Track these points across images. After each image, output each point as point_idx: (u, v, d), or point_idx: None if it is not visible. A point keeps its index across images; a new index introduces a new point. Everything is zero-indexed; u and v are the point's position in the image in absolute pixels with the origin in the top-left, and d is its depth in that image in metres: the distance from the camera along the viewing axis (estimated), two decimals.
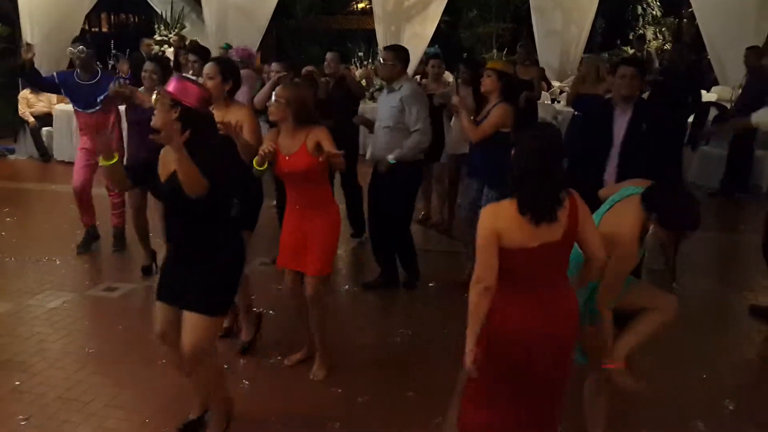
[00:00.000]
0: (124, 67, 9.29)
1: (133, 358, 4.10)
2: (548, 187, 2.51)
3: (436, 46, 17.11)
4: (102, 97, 5.62)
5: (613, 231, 2.85)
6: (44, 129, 9.89)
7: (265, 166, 3.62)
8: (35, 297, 5.01)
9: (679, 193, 2.95)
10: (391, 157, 4.88)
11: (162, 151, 3.05)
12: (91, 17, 20.69)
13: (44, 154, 9.81)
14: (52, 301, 4.93)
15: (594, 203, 3.36)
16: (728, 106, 8.43)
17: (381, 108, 5.15)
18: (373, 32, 12.44)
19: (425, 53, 11.05)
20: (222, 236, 3.10)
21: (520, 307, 2.59)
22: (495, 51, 16.74)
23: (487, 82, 4.87)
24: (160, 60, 5.93)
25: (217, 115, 3.72)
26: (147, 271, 5.50)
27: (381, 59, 5.03)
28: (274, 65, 5.68)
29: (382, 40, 11.78)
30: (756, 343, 4.70)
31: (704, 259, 6.18)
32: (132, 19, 19.06)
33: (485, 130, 4.78)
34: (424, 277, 5.37)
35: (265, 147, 3.52)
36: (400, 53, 5.10)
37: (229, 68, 4.00)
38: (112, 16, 19.74)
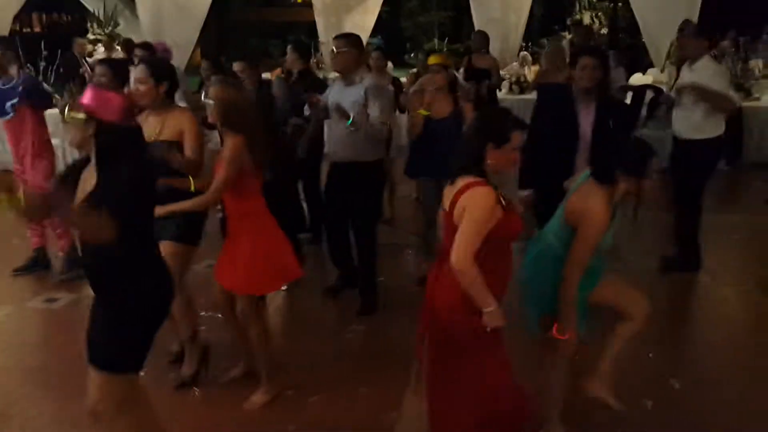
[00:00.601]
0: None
1: (80, 371, 3.97)
2: (455, 162, 2.71)
3: (379, 37, 17.12)
4: (11, 104, 5.15)
5: (581, 205, 2.92)
6: None
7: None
8: None
9: (621, 141, 3.08)
10: (348, 123, 4.44)
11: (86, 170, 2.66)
12: (22, 18, 20.05)
13: None
14: None
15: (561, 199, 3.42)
16: (663, 88, 8.63)
17: (339, 103, 4.65)
18: (314, 23, 12.37)
19: (369, 44, 11.02)
20: (131, 273, 2.63)
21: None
22: (436, 40, 16.81)
23: (438, 79, 4.80)
24: (114, 62, 4.89)
25: (155, 121, 3.60)
26: None
27: (334, 49, 4.62)
28: (236, 65, 5.36)
29: (323, 31, 11.73)
30: (700, 318, 4.84)
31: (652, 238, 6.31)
32: (66, 18, 18.51)
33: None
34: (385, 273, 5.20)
35: None
36: (354, 39, 4.69)
37: (161, 69, 3.69)
38: (44, 16, 19.16)
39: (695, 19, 10.86)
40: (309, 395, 3.75)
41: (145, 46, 6.90)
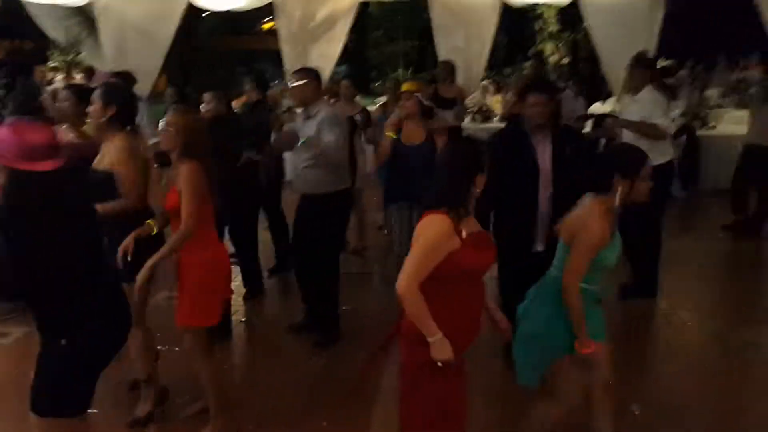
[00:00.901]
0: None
1: None
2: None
3: (344, 66, 17.22)
4: None
5: (576, 219, 2.98)
6: None
7: None
8: None
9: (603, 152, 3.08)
10: (301, 141, 4.52)
11: None
12: None
13: None
14: None
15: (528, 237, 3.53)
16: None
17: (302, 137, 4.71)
18: (279, 52, 12.36)
19: (335, 72, 11.06)
20: (61, 317, 2.55)
21: None
22: (401, 69, 16.95)
23: (409, 105, 4.79)
24: (79, 88, 4.65)
25: (103, 148, 3.57)
26: None
27: (291, 83, 4.70)
28: (206, 96, 5.30)
29: (288, 60, 11.70)
30: (659, 344, 4.89)
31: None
32: (30, 45, 18.29)
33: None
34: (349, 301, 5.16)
35: None
36: (311, 72, 4.77)
37: (112, 92, 3.61)
38: (7, 43, 18.87)
39: (653, 48, 11.19)
40: (269, 429, 3.69)
41: (88, 71, 6.93)
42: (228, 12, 13.45)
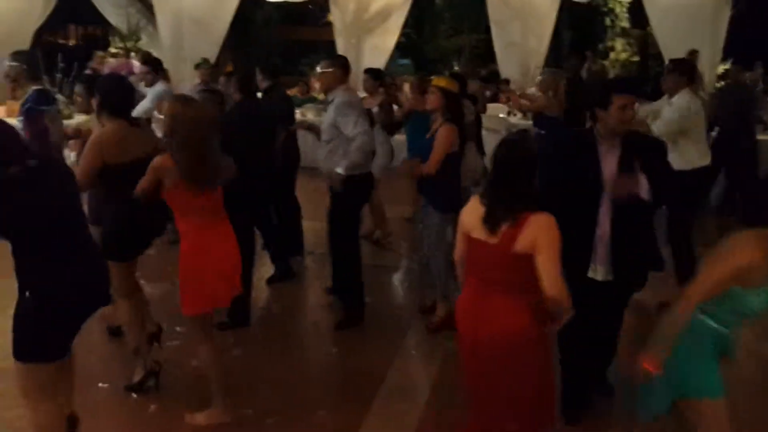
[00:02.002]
0: None
1: None
2: (506, 196, 2.68)
3: (408, 60, 17.12)
4: (18, 120, 5.10)
5: (724, 244, 2.55)
6: None
7: None
8: None
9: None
10: (339, 170, 4.62)
11: None
12: (59, 29, 20.64)
13: None
14: None
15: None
16: None
17: (324, 122, 4.90)
18: (334, 43, 12.45)
19: (399, 65, 11.06)
20: (28, 274, 2.78)
21: (465, 289, 2.89)
22: (455, 63, 16.73)
23: (432, 99, 4.70)
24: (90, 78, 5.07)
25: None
26: None
27: (319, 70, 4.90)
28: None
29: (342, 52, 11.76)
30: None
31: None
32: (99, 31, 19.07)
33: (437, 159, 4.51)
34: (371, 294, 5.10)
35: None
36: (338, 60, 4.95)
37: (92, 83, 3.83)
38: (80, 28, 19.68)
39: (720, 48, 10.75)
40: (267, 417, 3.71)
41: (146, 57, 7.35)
42: (285, 2, 13.64)
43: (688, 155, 5.03)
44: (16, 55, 5.18)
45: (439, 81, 4.97)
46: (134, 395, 3.87)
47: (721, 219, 6.92)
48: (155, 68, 7.18)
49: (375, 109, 6.21)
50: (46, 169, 2.81)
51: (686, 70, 5.23)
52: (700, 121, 5.21)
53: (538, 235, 2.62)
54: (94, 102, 3.67)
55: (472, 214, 2.80)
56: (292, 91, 12.19)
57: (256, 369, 4.24)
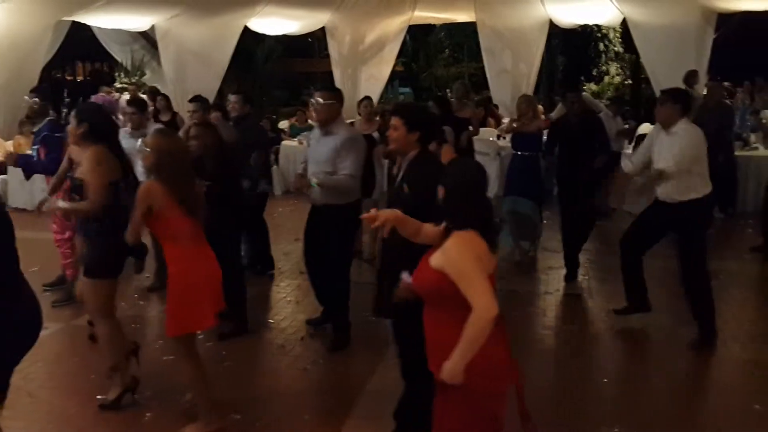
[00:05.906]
0: None
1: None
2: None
3: (408, 88, 17.44)
4: (34, 148, 5.90)
5: None
6: None
7: None
8: None
9: None
10: (315, 181, 4.77)
11: None
12: (67, 66, 21.23)
13: None
14: None
15: None
16: None
17: (317, 151, 4.93)
18: (331, 74, 12.86)
19: (400, 94, 11.44)
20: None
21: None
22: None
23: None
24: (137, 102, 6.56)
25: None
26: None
27: (316, 100, 4.88)
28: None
29: (339, 82, 12.17)
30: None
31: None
32: (105, 67, 19.64)
33: None
34: (354, 308, 5.22)
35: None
36: (336, 93, 5.01)
37: (84, 112, 4.11)
38: (86, 65, 20.24)
39: (704, 69, 11.04)
40: (256, 421, 3.94)
41: (151, 92, 7.72)
42: (284, 36, 14.08)
43: (694, 185, 4.85)
44: (34, 92, 6.06)
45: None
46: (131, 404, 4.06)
47: None
48: (141, 109, 6.85)
49: (375, 134, 6.58)
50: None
51: (680, 98, 4.91)
52: (705, 149, 4.90)
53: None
54: (79, 128, 3.96)
55: (483, 248, 2.63)
56: (290, 120, 12.61)
57: (243, 383, 4.47)
